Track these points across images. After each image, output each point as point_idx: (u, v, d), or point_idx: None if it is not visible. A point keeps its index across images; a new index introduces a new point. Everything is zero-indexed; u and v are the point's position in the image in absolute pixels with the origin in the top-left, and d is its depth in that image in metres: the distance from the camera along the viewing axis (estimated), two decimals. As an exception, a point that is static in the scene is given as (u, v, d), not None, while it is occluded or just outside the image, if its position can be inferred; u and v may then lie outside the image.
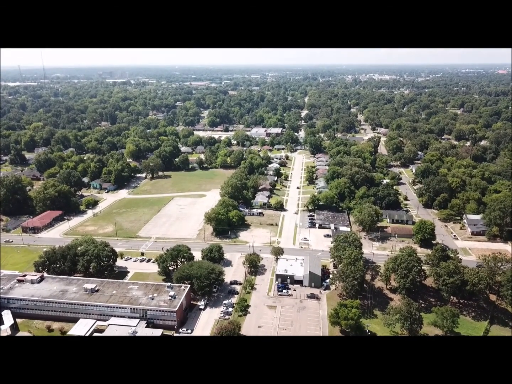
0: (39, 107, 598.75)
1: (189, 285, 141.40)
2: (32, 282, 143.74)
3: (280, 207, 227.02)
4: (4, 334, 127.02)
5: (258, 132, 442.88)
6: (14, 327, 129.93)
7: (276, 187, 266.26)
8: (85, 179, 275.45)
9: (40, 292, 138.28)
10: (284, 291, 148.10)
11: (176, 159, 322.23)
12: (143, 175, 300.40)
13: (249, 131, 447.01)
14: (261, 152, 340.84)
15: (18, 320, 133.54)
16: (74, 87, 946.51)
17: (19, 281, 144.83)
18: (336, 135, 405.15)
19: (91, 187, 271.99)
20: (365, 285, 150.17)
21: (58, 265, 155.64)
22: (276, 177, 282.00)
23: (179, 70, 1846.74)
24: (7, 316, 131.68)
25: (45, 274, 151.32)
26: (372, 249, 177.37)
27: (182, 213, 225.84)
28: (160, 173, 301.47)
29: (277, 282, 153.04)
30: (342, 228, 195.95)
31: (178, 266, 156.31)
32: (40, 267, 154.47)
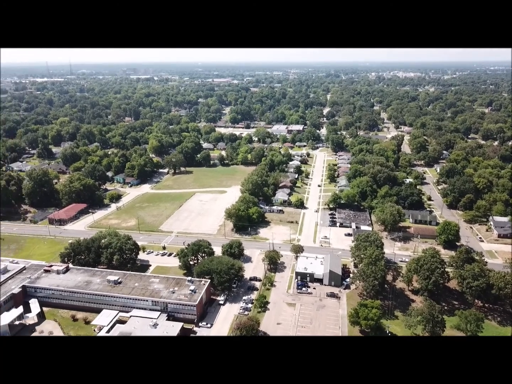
0: (66, 102, 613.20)
1: (209, 280, 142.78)
2: (58, 272, 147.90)
3: (300, 204, 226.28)
4: (31, 322, 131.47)
5: (279, 129, 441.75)
6: (41, 316, 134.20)
7: (297, 185, 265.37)
8: (109, 174, 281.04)
9: (65, 283, 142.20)
10: (303, 289, 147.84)
11: (198, 155, 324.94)
12: (166, 170, 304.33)
13: (270, 128, 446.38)
14: (282, 149, 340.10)
15: (44, 309, 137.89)
16: (99, 83, 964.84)
17: (46, 271, 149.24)
18: (358, 133, 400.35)
19: (115, 181, 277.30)
20: (386, 285, 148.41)
21: (82, 257, 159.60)
22: (297, 175, 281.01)
23: (202, 66, 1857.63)
24: (34, 304, 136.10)
25: (70, 265, 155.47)
26: (393, 249, 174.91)
27: (203, 209, 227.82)
28: (182, 168, 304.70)
29: (296, 279, 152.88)
30: (363, 227, 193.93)
31: (199, 261, 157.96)
32: (66, 258, 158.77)
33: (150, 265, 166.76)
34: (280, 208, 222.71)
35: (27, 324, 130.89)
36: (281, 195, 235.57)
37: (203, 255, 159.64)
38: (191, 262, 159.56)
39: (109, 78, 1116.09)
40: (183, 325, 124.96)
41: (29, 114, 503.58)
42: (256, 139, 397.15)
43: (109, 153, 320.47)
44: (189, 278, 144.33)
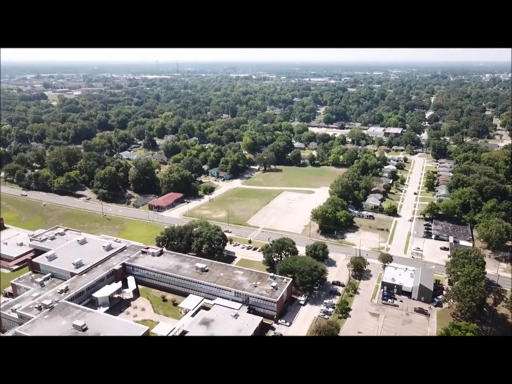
0: (171, 98, 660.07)
1: (291, 279, 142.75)
2: (153, 255, 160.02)
3: (393, 212, 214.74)
4: (127, 297, 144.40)
5: (375, 131, 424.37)
6: (136, 292, 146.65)
7: (391, 191, 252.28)
8: (205, 167, 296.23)
9: (159, 265, 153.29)
10: (389, 300, 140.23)
11: (289, 154, 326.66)
12: (257, 167, 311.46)
13: (366, 129, 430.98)
14: (377, 152, 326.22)
15: (139, 286, 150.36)
16: (202, 80, 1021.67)
17: (143, 252, 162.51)
18: (464, 140, 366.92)
19: (209, 174, 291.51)
20: (485, 309, 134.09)
21: (175, 243, 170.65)
22: (391, 180, 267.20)
23: (300, 66, 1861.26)
24: (131, 281, 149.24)
25: (164, 249, 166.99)
26: (497, 270, 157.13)
27: (290, 207, 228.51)
28: (272, 166, 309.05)
29: (382, 290, 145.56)
30: (462, 242, 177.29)
31: (282, 258, 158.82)
32: (161, 242, 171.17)
33: (236, 257, 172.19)
34: (370, 213, 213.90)
35: (124, 298, 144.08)
36: (372, 200, 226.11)
37: (287, 253, 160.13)
38: (275, 259, 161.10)
39: (211, 76, 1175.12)
40: (262, 320, 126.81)
41: (139, 107, 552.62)
42: (349, 140, 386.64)
43: (206, 147, 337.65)
44: (272, 274, 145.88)
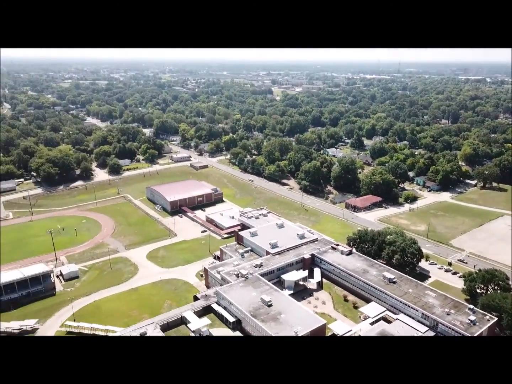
0: (387, 99, 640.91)
1: (496, 318, 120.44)
2: (342, 252, 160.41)
3: None
4: (311, 287, 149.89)
5: None
6: (319, 285, 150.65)
7: None
8: (411, 174, 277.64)
9: (345, 264, 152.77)
10: None
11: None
12: (473, 182, 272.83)
13: None
14: None
15: (323, 280, 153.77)
16: (423, 82, 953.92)
17: (333, 248, 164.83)
18: None
19: (414, 182, 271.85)
20: None
21: (366, 246, 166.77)
22: None
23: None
24: (317, 273, 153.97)
25: (354, 250, 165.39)
26: None
27: (509, 235, 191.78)
28: (495, 184, 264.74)
29: None
30: None
31: (488, 292, 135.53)
32: (351, 242, 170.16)
33: (430, 277, 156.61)
34: None
35: (308, 287, 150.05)
36: None
37: (496, 287, 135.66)
38: (478, 290, 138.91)
39: (435, 78, 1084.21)
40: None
41: (352, 106, 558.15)
42: None
43: (415, 153, 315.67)
44: (471, 306, 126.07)
